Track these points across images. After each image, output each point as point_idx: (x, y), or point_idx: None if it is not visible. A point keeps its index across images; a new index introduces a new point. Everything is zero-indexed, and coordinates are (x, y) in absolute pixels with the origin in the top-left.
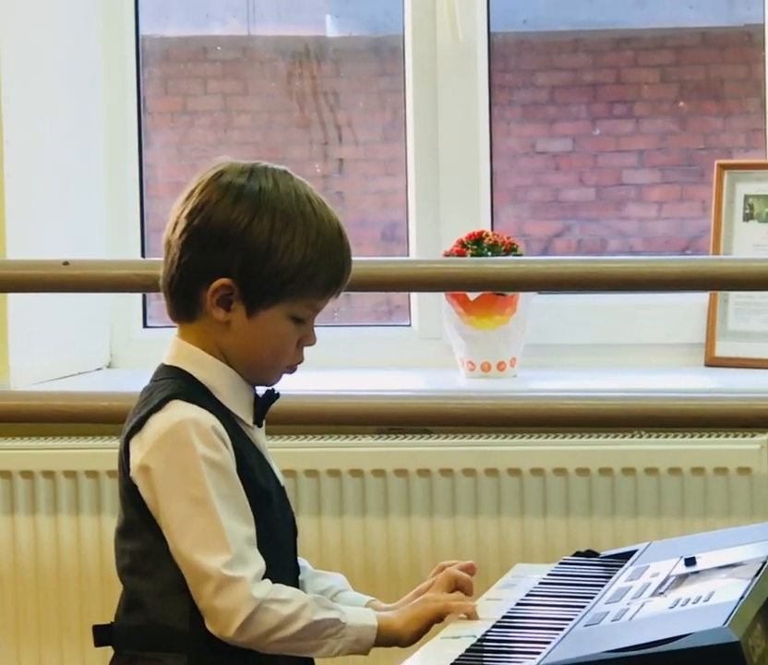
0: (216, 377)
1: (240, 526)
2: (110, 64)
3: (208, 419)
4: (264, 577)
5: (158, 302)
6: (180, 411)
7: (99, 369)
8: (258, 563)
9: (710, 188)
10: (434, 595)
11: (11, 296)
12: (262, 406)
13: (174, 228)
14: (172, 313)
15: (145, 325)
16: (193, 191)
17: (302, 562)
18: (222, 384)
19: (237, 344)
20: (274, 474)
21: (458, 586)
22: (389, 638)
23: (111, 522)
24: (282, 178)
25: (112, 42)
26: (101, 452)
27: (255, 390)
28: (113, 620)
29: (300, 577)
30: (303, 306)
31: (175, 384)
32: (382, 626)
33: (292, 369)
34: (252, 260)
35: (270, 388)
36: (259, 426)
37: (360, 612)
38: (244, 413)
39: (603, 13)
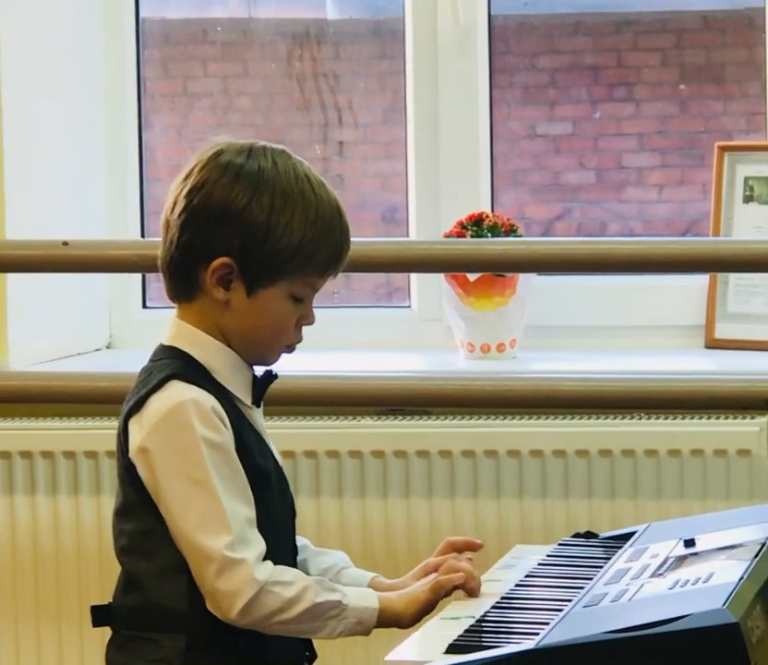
0: (215, 357)
1: (241, 507)
2: (110, 45)
3: (207, 400)
4: (264, 558)
5: (157, 283)
6: (180, 391)
7: (98, 350)
8: (260, 545)
9: (710, 171)
10: (434, 575)
11: (10, 276)
12: (261, 387)
13: (173, 208)
14: (170, 293)
15: (144, 306)
16: (192, 170)
17: (304, 540)
18: (220, 364)
19: (237, 324)
20: (273, 454)
21: (453, 551)
22: (390, 619)
23: (109, 502)
24: (281, 158)
25: (112, 24)
26: (100, 432)
27: (253, 370)
28: (111, 600)
29: (302, 556)
30: (302, 284)
31: (174, 364)
32: (384, 608)
33: (290, 349)
34: (252, 239)
35: (268, 368)
36: (258, 406)
37: (362, 593)
38: (242, 393)
39: None
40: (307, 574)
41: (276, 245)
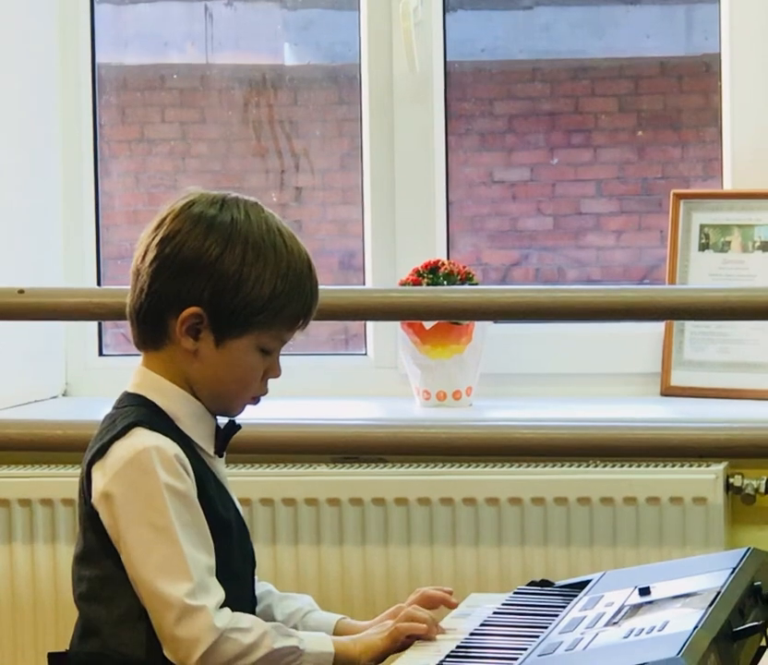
0: (179, 406)
1: (202, 555)
2: (66, 92)
3: (171, 447)
4: (222, 607)
5: (114, 330)
6: (143, 438)
7: (54, 397)
8: (219, 592)
9: (667, 217)
10: (391, 622)
11: None
12: (224, 437)
13: (144, 256)
14: (137, 341)
15: (101, 353)
16: (164, 220)
17: (268, 586)
18: (184, 413)
19: (204, 374)
20: (234, 504)
21: (430, 605)
22: (345, 664)
23: (65, 550)
24: (254, 210)
25: (68, 70)
26: (55, 480)
27: (217, 420)
28: (68, 648)
29: (267, 601)
30: (271, 337)
31: (138, 412)
32: (339, 653)
33: (256, 401)
34: (223, 291)
35: (231, 419)
36: (220, 456)
37: (318, 638)
38: (205, 443)
39: (561, 42)
40: (273, 618)
41: (247, 297)
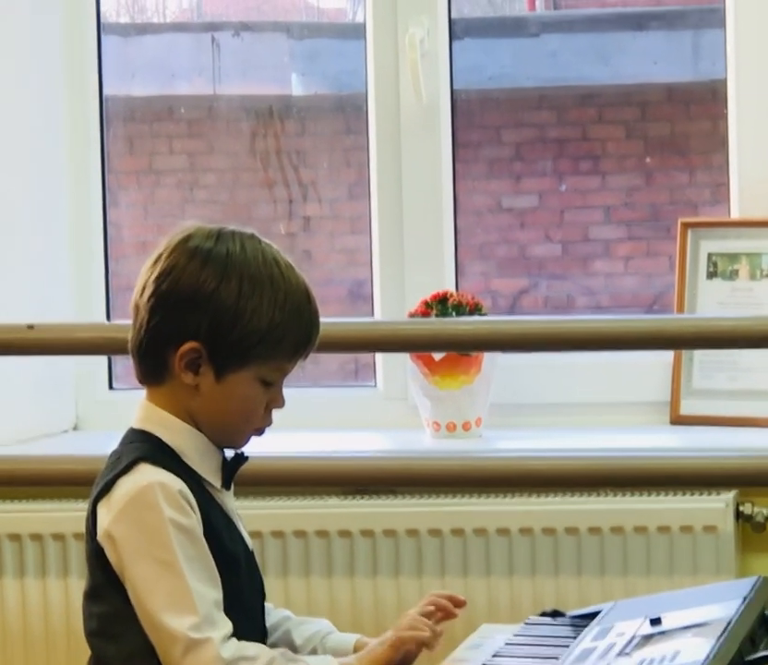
0: (184, 440)
1: (208, 590)
2: (74, 124)
3: (175, 483)
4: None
5: (124, 363)
6: (147, 474)
7: (65, 432)
8: (227, 625)
9: (676, 243)
10: (396, 633)
11: None
12: (230, 470)
13: (143, 292)
14: (140, 376)
15: (111, 387)
16: (161, 255)
17: (285, 612)
18: (189, 448)
19: (206, 408)
20: (242, 537)
21: (439, 611)
22: None
23: (77, 585)
24: (250, 242)
25: (76, 102)
26: (67, 514)
27: (223, 453)
28: None
29: (286, 626)
30: (271, 369)
31: (143, 448)
32: None
33: (260, 432)
34: (220, 324)
35: (238, 451)
36: (228, 489)
37: (323, 662)
38: (212, 476)
39: (568, 69)
40: (292, 643)
41: (244, 329)
